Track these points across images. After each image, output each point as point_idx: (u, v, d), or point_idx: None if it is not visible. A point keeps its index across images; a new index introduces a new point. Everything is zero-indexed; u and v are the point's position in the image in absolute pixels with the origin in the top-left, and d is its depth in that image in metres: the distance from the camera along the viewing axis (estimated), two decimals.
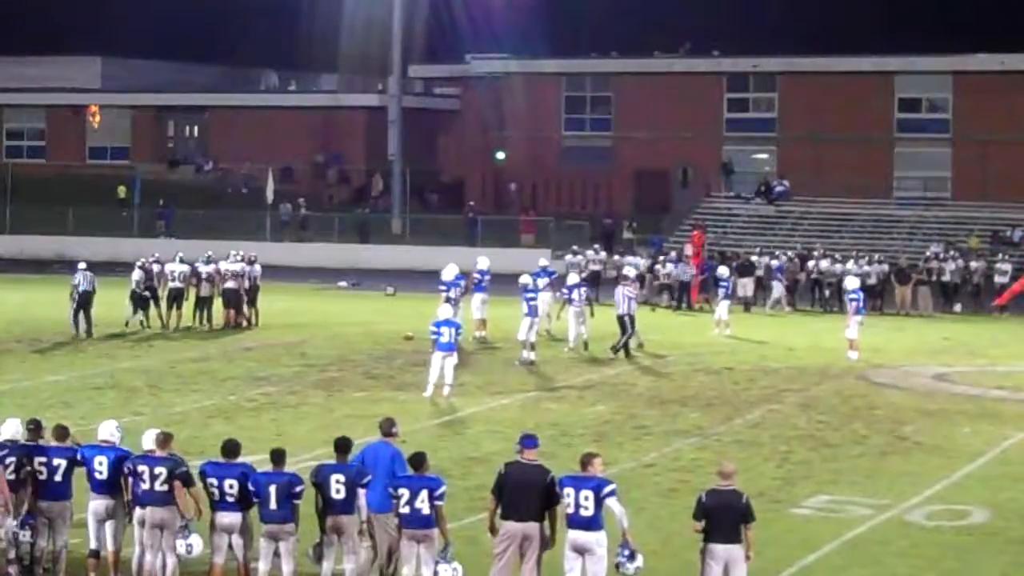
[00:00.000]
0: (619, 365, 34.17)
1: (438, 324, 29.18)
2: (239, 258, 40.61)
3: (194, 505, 16.10)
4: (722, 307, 39.99)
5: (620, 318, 35.21)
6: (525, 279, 35.62)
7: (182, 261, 39.80)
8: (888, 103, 67.92)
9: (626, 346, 35.22)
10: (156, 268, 39.59)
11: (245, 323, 39.91)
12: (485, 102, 73.67)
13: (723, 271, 41.81)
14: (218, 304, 39.81)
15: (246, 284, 39.93)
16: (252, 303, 40.24)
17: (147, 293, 39.01)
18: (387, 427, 16.81)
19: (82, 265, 38.68)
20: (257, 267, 40.72)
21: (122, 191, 71.26)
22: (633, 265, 44.46)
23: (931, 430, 26.74)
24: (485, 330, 37.58)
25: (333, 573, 16.14)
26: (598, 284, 45.77)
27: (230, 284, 39.65)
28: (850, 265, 46.67)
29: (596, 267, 48.56)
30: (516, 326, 36.87)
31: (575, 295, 35.99)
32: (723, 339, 38.63)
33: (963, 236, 58.34)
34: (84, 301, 37.45)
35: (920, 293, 46.63)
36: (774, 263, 47.45)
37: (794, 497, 21.44)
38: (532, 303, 34.40)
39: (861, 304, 36.05)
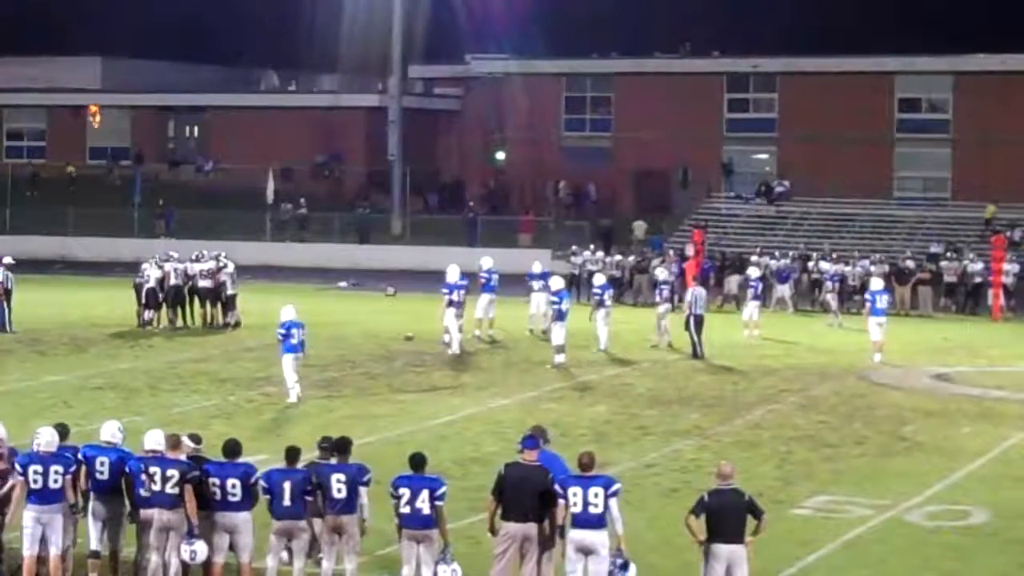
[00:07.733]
0: (619, 365, 34.18)
1: (287, 326, 28.28)
2: (212, 256, 40.64)
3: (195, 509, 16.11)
4: (751, 308, 39.32)
5: (700, 318, 35.22)
6: (558, 283, 35.31)
7: (178, 260, 39.90)
8: (888, 103, 67.84)
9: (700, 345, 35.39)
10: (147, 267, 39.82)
11: (231, 322, 39.68)
12: (485, 102, 73.63)
13: (753, 272, 40.96)
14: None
15: (229, 287, 39.76)
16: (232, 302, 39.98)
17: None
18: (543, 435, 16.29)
19: (7, 260, 38.92)
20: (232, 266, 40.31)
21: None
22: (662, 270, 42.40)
23: (931, 430, 26.76)
24: (493, 329, 37.60)
25: (333, 573, 16.18)
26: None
27: (205, 283, 39.65)
28: (848, 267, 46.80)
29: (593, 267, 48.48)
30: (515, 326, 36.88)
31: (606, 296, 35.95)
32: (754, 341, 38.26)
33: (963, 236, 58.31)
34: None
35: (920, 293, 46.68)
36: (773, 263, 47.41)
37: (794, 497, 21.44)
38: (556, 307, 33.92)
39: (883, 305, 35.96)
